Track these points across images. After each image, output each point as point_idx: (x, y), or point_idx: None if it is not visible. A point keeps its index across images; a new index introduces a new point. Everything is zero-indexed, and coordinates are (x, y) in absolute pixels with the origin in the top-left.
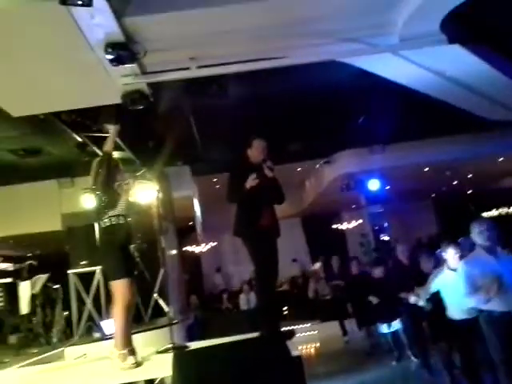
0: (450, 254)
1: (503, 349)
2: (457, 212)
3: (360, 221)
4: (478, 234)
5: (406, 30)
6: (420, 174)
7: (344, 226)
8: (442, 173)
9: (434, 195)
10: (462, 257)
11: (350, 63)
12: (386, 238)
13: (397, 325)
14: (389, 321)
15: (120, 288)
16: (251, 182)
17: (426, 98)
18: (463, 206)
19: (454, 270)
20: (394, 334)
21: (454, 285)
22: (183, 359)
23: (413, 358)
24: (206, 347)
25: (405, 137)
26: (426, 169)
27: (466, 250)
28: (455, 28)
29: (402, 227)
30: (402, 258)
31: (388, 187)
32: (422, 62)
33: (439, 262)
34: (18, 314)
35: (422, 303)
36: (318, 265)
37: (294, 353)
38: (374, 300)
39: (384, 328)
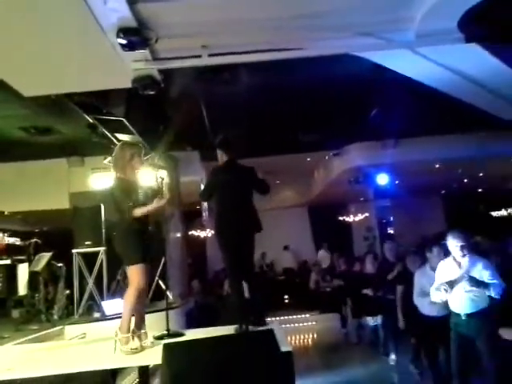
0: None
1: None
2: (466, 210)
3: (366, 214)
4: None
5: (422, 26)
6: (431, 170)
7: (350, 219)
8: (454, 170)
9: (443, 192)
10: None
11: (365, 57)
12: (391, 232)
13: (378, 320)
14: (373, 315)
15: (136, 273)
16: None
17: (441, 95)
18: (473, 205)
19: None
20: (375, 328)
21: None
22: (172, 351)
23: (383, 355)
24: (196, 340)
25: (417, 132)
26: (437, 165)
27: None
28: (473, 27)
29: (409, 222)
30: (388, 256)
31: (397, 182)
32: (438, 59)
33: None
34: (16, 294)
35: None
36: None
37: (284, 348)
38: (369, 292)
39: (370, 321)
